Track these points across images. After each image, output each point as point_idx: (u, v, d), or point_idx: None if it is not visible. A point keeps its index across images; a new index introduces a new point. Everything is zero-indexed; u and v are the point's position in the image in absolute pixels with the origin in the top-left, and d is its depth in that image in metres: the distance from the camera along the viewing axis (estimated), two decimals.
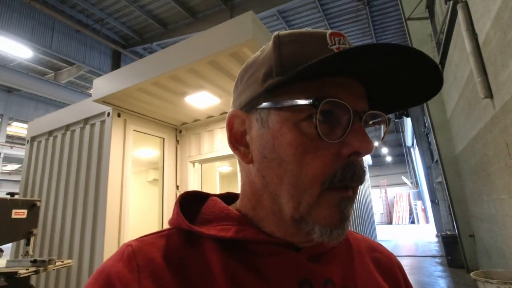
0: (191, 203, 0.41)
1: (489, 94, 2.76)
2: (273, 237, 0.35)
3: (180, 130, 3.79)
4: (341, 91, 0.32)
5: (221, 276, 0.32)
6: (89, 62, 8.51)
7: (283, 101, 0.33)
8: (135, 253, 0.32)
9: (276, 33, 0.37)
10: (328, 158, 0.31)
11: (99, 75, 9.09)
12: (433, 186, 10.19)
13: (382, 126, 0.37)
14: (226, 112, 3.38)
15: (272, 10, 7.57)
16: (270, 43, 0.37)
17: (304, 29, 0.36)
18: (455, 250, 5.78)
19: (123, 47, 9.11)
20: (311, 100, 0.31)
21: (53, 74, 9.80)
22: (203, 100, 2.98)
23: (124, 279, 0.30)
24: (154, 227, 3.57)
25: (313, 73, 0.31)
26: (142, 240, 0.35)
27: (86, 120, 3.30)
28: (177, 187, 3.67)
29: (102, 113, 3.10)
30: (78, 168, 3.21)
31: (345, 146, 0.32)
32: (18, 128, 10.12)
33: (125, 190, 2.98)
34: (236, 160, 3.16)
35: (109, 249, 2.69)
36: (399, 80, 0.34)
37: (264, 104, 0.35)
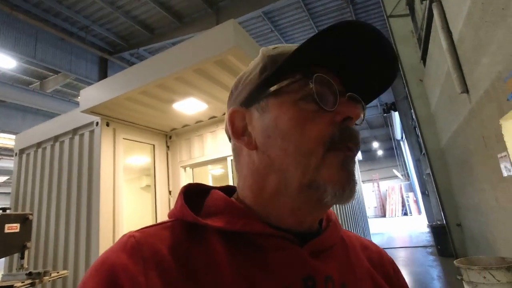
0: (193, 195, 0.41)
1: (465, 89, 2.88)
2: (279, 230, 0.36)
3: (170, 136, 3.82)
4: (325, 71, 0.38)
5: (227, 269, 0.32)
6: (75, 70, 8.42)
7: (279, 86, 0.38)
8: (139, 244, 0.32)
9: (262, 48, 0.43)
10: (325, 123, 0.35)
11: (86, 82, 9.01)
12: (423, 178, 10.42)
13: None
14: (214, 117, 3.45)
15: (257, 12, 7.63)
16: (260, 54, 0.42)
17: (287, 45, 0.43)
18: (444, 240, 5.95)
19: (109, 54, 9.04)
20: (306, 75, 0.36)
21: (39, 83, 9.66)
22: (191, 106, 3.02)
23: (129, 271, 0.29)
24: None
25: (302, 59, 0.36)
26: (144, 231, 0.35)
27: (75, 131, 3.30)
28: (170, 192, 3.70)
29: (91, 123, 3.12)
30: (69, 179, 3.21)
31: (337, 114, 0.36)
32: (6, 140, 9.95)
33: (118, 198, 3.00)
34: (227, 162, 3.22)
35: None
36: (367, 72, 0.40)
37: (263, 95, 0.39)
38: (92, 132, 3.12)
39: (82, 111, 2.85)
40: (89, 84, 9.04)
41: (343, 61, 0.39)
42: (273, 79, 0.38)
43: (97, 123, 3.06)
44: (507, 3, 1.84)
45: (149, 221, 3.58)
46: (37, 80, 9.65)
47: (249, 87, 0.40)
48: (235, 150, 0.43)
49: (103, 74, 8.99)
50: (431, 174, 6.04)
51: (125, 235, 0.34)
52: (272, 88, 0.38)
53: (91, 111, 2.86)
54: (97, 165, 2.94)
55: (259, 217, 0.37)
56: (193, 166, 3.76)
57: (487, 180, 3.05)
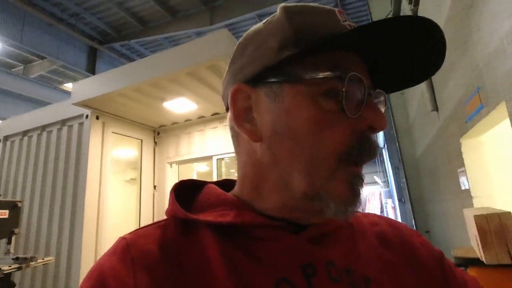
0: (187, 192, 0.40)
1: (436, 107, 3.15)
2: (272, 220, 0.34)
3: (159, 132, 3.91)
4: (353, 65, 0.32)
5: (218, 263, 0.31)
6: (63, 57, 8.27)
7: (300, 73, 0.31)
8: (129, 246, 0.31)
9: (282, 4, 0.35)
10: (345, 132, 0.31)
11: (73, 70, 8.86)
12: (400, 185, 10.88)
13: (381, 106, 0.35)
14: (203, 116, 3.57)
15: (251, 14, 7.77)
16: (279, 14, 0.35)
17: (311, 3, 0.36)
18: None
19: (99, 43, 8.92)
20: (337, 73, 0.30)
21: (22, 67, 9.41)
22: (181, 105, 3.14)
23: (118, 274, 0.29)
24: (132, 225, 3.68)
25: (331, 45, 0.31)
26: (137, 232, 0.34)
27: (63, 122, 3.34)
28: (155, 187, 3.80)
29: (80, 115, 3.17)
30: (55, 168, 3.25)
31: (360, 121, 0.31)
32: None
33: (104, 190, 3.08)
34: (213, 161, 3.35)
35: (87, 246, 2.80)
36: (402, 57, 0.34)
37: (277, 77, 0.32)
38: (81, 124, 3.18)
39: (74, 104, 2.90)
40: (77, 72, 8.92)
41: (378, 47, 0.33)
42: (290, 63, 0.32)
43: (87, 116, 3.12)
44: (467, 39, 2.09)
45: (133, 214, 3.66)
46: (21, 64, 9.39)
47: (260, 61, 0.33)
48: (234, 133, 0.38)
49: (91, 63, 8.87)
50: (405, 182, 6.40)
51: (119, 238, 0.34)
52: (293, 73, 0.32)
53: (83, 104, 2.93)
54: (84, 157, 3.00)
55: (255, 208, 0.35)
56: (179, 163, 3.87)
57: (450, 191, 3.34)
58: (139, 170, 3.69)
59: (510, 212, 1.10)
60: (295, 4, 0.34)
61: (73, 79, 9.02)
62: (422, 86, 3.44)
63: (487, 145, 2.52)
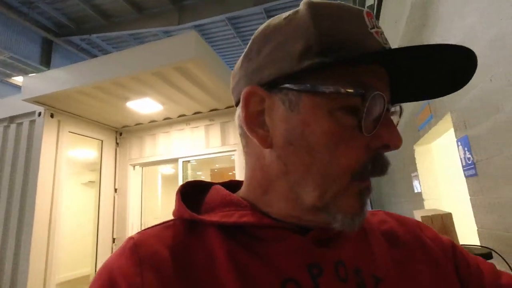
0: (194, 194, 0.40)
1: None
2: (278, 221, 0.34)
3: (121, 133, 3.72)
4: (376, 80, 0.31)
5: (225, 263, 0.31)
6: (12, 48, 7.54)
7: (321, 86, 0.30)
8: (137, 246, 0.32)
9: (307, 0, 0.33)
10: (360, 149, 0.31)
11: (25, 63, 8.12)
12: None
13: (395, 117, 0.35)
14: (169, 118, 3.47)
15: (221, 16, 7.74)
16: (303, 11, 0.32)
17: (338, 2, 0.34)
18: None
19: (55, 35, 8.29)
20: (360, 91, 0.29)
21: None
22: (146, 106, 3.03)
23: (126, 273, 0.29)
24: (89, 230, 3.46)
25: (358, 60, 0.30)
26: (144, 232, 0.34)
27: (11, 119, 3.04)
28: (116, 190, 3.61)
29: (32, 113, 2.91)
30: (0, 170, 2.95)
31: (375, 139, 0.31)
32: None
33: (57, 194, 2.85)
34: (178, 163, 3.27)
35: (37, 253, 2.57)
36: (428, 71, 0.33)
37: (295, 86, 0.31)
38: (33, 122, 2.92)
39: (25, 100, 2.67)
40: (29, 65, 8.18)
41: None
42: (311, 73, 0.31)
43: (39, 114, 2.87)
44: None
45: (91, 219, 3.44)
46: None
47: (279, 65, 0.32)
48: (243, 132, 0.37)
49: (46, 57, 8.21)
50: None
51: (127, 238, 0.34)
52: (313, 84, 0.30)
53: (35, 100, 2.70)
54: (36, 158, 2.76)
55: (261, 210, 0.36)
56: (143, 165, 3.72)
57: (405, 194, 3.60)
58: (99, 172, 3.48)
59: (451, 213, 1.22)
60: (323, 2, 0.33)
61: (24, 72, 8.26)
62: None
63: (436, 152, 2.77)
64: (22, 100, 2.68)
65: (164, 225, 0.36)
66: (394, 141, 0.31)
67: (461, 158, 1.79)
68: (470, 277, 0.39)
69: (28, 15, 7.40)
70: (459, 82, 0.35)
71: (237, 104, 0.38)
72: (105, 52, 9.09)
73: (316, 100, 0.30)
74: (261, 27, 0.36)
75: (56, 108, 2.93)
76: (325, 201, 0.31)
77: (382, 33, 0.33)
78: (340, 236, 0.36)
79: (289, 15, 0.34)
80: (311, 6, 0.32)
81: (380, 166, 0.31)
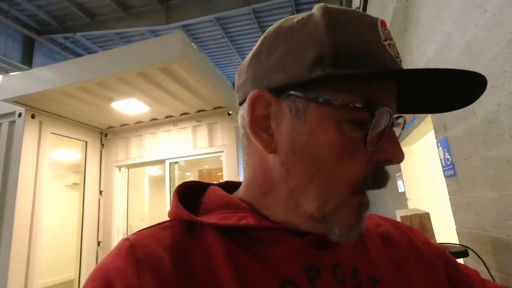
0: (191, 194, 0.39)
1: None
2: (277, 224, 0.34)
3: (106, 134, 3.65)
4: (385, 94, 0.31)
5: (224, 264, 0.31)
6: None
7: (329, 95, 0.30)
8: (133, 247, 0.31)
9: (322, 5, 0.33)
10: (363, 163, 0.31)
11: (4, 61, 7.84)
12: None
13: (398, 128, 0.35)
14: (156, 119, 3.43)
15: (209, 16, 7.70)
16: (318, 17, 0.31)
17: (353, 9, 0.34)
18: None
19: (37, 34, 8.05)
20: (369, 106, 0.30)
21: None
22: (132, 107, 2.98)
23: (123, 274, 0.29)
24: (73, 232, 3.37)
25: (372, 78, 0.30)
26: (141, 233, 0.34)
27: None
28: (101, 192, 3.54)
29: (12, 113, 2.82)
30: None
31: (378, 152, 0.31)
32: None
33: (39, 196, 2.77)
34: (165, 165, 3.23)
35: (17, 257, 2.49)
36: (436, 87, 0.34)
37: (304, 94, 0.31)
38: (12, 123, 2.83)
39: (3, 100, 2.58)
40: (9, 64, 7.91)
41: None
42: (328, 82, 0.30)
43: (20, 114, 2.79)
44: (403, 58, 2.34)
45: (75, 222, 3.36)
46: None
47: (290, 72, 0.31)
48: (246, 138, 0.37)
49: (28, 55, 7.96)
50: None
51: (122, 239, 0.33)
52: (322, 97, 0.30)
53: (15, 101, 2.62)
54: (16, 160, 2.67)
55: (259, 212, 0.36)
56: (129, 166, 3.66)
57: (389, 194, 3.68)
58: (83, 174, 3.41)
59: (428, 213, 1.26)
60: (339, 10, 0.32)
61: (5, 71, 7.98)
62: None
63: (418, 153, 2.84)
64: (1, 100, 2.59)
65: (161, 226, 0.35)
66: (397, 155, 0.31)
67: (440, 159, 1.84)
68: (460, 283, 0.41)
69: (8, 12, 7.16)
70: (463, 102, 0.35)
71: (241, 103, 0.37)
72: (90, 51, 8.89)
73: (324, 110, 0.30)
74: (273, 27, 0.35)
75: (37, 109, 2.84)
76: (324, 213, 0.31)
77: (394, 45, 0.33)
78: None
79: (302, 18, 0.33)
80: (326, 13, 0.31)
81: (380, 179, 0.32)
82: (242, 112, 0.36)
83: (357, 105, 0.29)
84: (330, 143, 0.30)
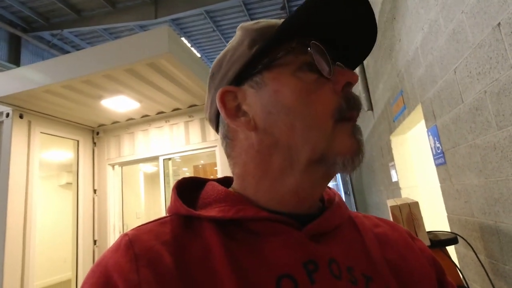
0: (190, 190, 0.40)
1: (371, 107, 3.46)
2: (275, 214, 0.35)
3: (98, 132, 3.61)
4: (315, 40, 0.36)
5: (222, 258, 0.31)
6: None
7: (273, 57, 0.36)
8: (132, 242, 0.32)
9: (239, 26, 0.41)
10: (329, 94, 0.34)
11: None
12: (345, 179, 11.74)
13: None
14: (147, 115, 3.39)
15: (199, 10, 7.58)
16: (238, 31, 0.40)
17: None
18: None
19: (23, 31, 7.87)
20: (302, 40, 0.35)
21: None
22: (122, 104, 2.94)
23: (122, 269, 0.29)
24: (68, 232, 3.36)
25: (294, 28, 0.35)
26: (139, 229, 0.34)
27: None
28: (95, 191, 3.51)
29: None
30: None
31: (337, 82, 0.35)
32: None
33: (31, 197, 2.74)
34: (159, 161, 3.21)
35: (12, 260, 2.48)
36: (346, 41, 0.39)
37: (255, 69, 0.36)
38: (0, 123, 2.78)
39: None
40: None
41: (328, 30, 0.38)
42: (266, 51, 0.36)
43: (7, 114, 2.73)
44: (392, 47, 2.33)
45: (69, 222, 3.34)
46: None
47: (238, 64, 0.37)
48: (229, 136, 0.40)
49: (15, 54, 7.79)
50: (349, 176, 6.92)
51: (121, 235, 0.34)
52: (267, 60, 0.36)
53: (1, 100, 2.56)
54: (5, 161, 2.63)
55: (257, 203, 0.37)
56: (122, 164, 3.63)
57: (383, 183, 3.70)
58: (76, 173, 3.37)
59: (417, 202, 1.27)
60: (254, 21, 0.40)
61: None
62: (359, 87, 3.74)
63: (410, 142, 2.85)
64: None
65: (160, 221, 0.36)
66: (351, 76, 0.35)
67: (431, 147, 1.85)
68: None
69: None
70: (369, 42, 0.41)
71: (217, 130, 0.43)
72: (79, 48, 8.73)
73: (275, 70, 0.35)
74: (215, 60, 0.42)
75: (25, 109, 2.79)
76: (320, 151, 0.33)
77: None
78: (333, 234, 0.37)
79: (233, 39, 0.40)
80: (246, 25, 0.40)
81: (352, 102, 0.35)
82: (220, 127, 0.41)
83: (292, 46, 0.35)
84: (294, 90, 0.34)
